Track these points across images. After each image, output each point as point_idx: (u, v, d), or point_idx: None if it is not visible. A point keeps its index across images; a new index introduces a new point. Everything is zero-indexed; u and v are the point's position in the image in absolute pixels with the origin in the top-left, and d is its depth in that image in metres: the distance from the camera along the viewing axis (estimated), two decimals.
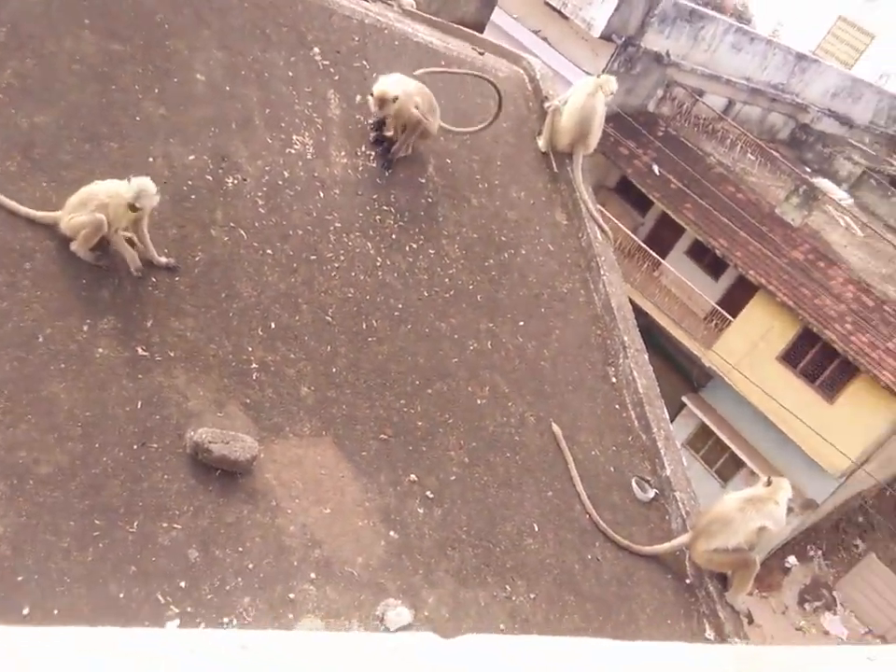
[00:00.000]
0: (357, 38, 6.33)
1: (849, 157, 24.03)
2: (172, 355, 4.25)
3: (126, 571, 3.55)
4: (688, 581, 5.34)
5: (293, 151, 5.42)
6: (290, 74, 5.72)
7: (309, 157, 5.48)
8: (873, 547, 21.58)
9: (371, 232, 5.50)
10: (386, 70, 6.23)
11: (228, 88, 5.33)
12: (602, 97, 6.90)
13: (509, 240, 6.28)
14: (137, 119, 4.82)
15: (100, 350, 4.04)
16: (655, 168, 19.39)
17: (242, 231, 4.89)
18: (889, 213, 22.91)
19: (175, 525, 3.78)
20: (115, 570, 3.53)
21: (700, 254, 20.14)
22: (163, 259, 4.45)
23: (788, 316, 18.04)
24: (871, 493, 21.39)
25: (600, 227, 6.89)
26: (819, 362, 18.15)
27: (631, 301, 6.92)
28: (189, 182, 4.82)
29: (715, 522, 5.16)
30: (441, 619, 4.21)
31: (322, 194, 5.41)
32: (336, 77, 6.00)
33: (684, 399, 20.28)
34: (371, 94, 5.67)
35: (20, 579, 3.32)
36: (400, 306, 5.33)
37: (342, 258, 5.25)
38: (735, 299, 19.34)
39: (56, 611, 3.31)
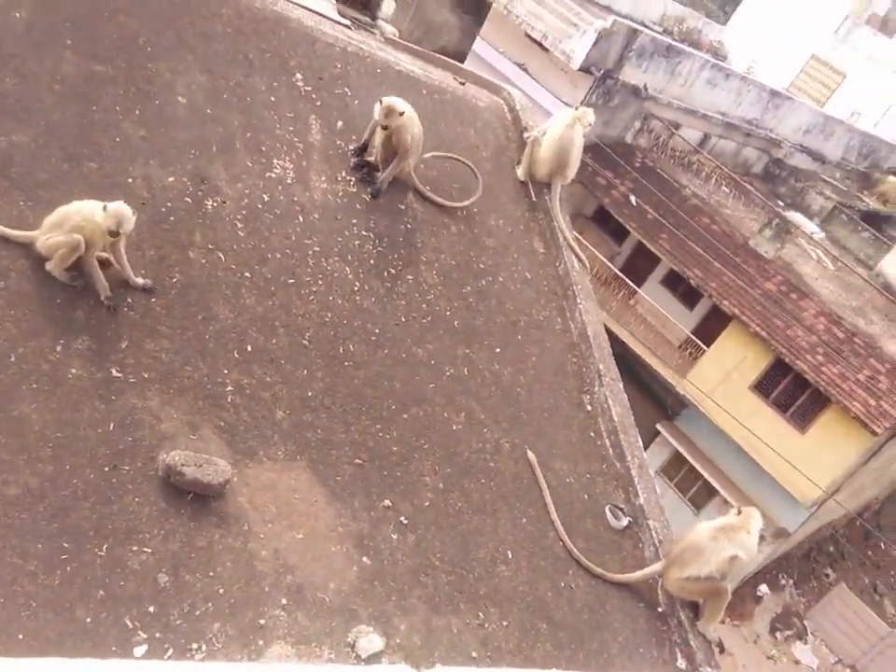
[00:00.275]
0: (339, 65, 6.39)
1: (821, 192, 24.51)
2: (146, 376, 4.23)
3: (94, 595, 3.49)
4: (660, 610, 5.35)
5: (273, 175, 5.44)
6: (272, 99, 5.76)
7: (289, 181, 5.51)
8: (843, 576, 21.74)
9: (349, 257, 5.52)
10: (368, 97, 6.30)
11: (209, 111, 5.35)
12: (580, 129, 7.01)
13: (487, 267, 6.32)
14: (117, 139, 4.82)
15: (73, 371, 4.01)
16: (632, 198, 19.65)
17: (220, 254, 4.89)
18: (859, 247, 23.36)
19: (146, 549, 3.73)
20: (82, 594, 3.47)
21: (675, 283, 20.38)
22: (140, 280, 4.43)
23: (760, 347, 18.27)
24: (841, 522, 21.59)
25: (577, 256, 6.96)
26: (791, 392, 18.36)
27: (607, 329, 6.98)
28: (168, 204, 4.82)
29: (687, 550, 5.18)
30: (414, 646, 4.18)
31: (301, 218, 5.43)
32: (318, 103, 6.05)
33: (658, 426, 20.40)
34: (381, 101, 5.75)
35: None
36: (378, 331, 5.34)
37: (320, 282, 5.26)
38: (709, 328, 19.56)
39: (21, 636, 3.25)
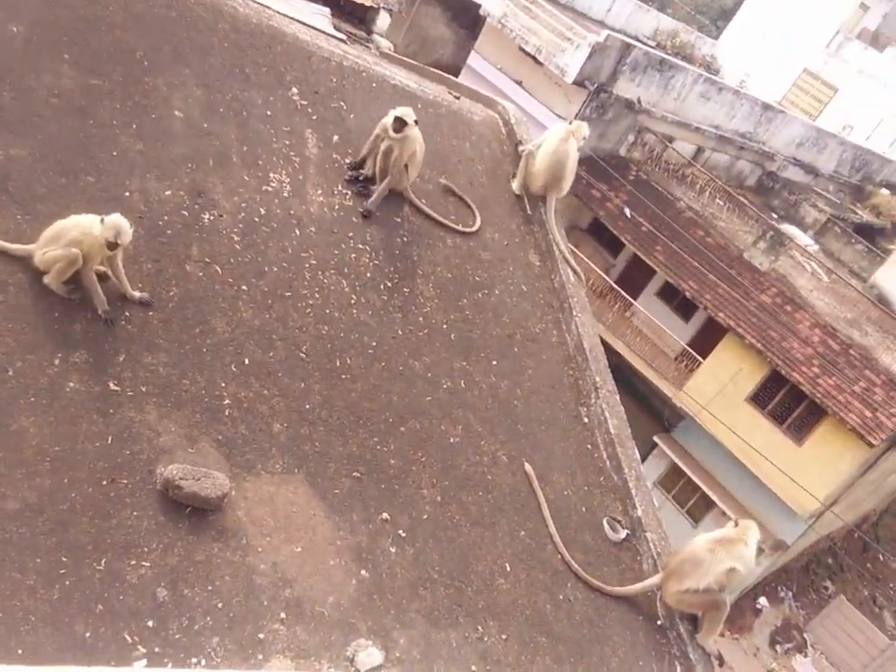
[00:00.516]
0: (335, 79, 6.42)
1: (815, 204, 24.64)
2: (144, 390, 4.22)
3: (93, 610, 3.48)
4: (659, 623, 5.33)
5: (270, 189, 5.46)
6: (268, 112, 5.79)
7: (285, 195, 5.53)
8: (842, 589, 21.70)
9: (346, 270, 5.54)
10: (364, 111, 6.33)
11: (206, 125, 5.38)
12: (574, 143, 7.05)
13: (483, 280, 6.34)
14: (114, 153, 4.84)
15: (71, 384, 4.00)
16: (627, 211, 19.72)
17: (217, 267, 4.89)
18: (853, 259, 23.47)
19: (144, 563, 3.72)
20: (81, 609, 3.46)
21: (670, 296, 20.42)
22: (137, 294, 4.44)
23: (756, 359, 18.29)
24: (839, 535, 21.56)
25: (572, 268, 6.98)
26: (788, 404, 18.37)
27: (603, 341, 7.00)
28: (165, 217, 4.83)
29: (686, 562, 5.17)
30: (413, 660, 4.16)
31: (298, 232, 5.44)
32: (314, 117, 6.08)
33: (655, 438, 20.39)
34: (394, 109, 5.84)
35: None
36: (374, 344, 5.35)
37: (316, 295, 5.27)
38: (705, 340, 19.58)
39: (20, 651, 3.23)
